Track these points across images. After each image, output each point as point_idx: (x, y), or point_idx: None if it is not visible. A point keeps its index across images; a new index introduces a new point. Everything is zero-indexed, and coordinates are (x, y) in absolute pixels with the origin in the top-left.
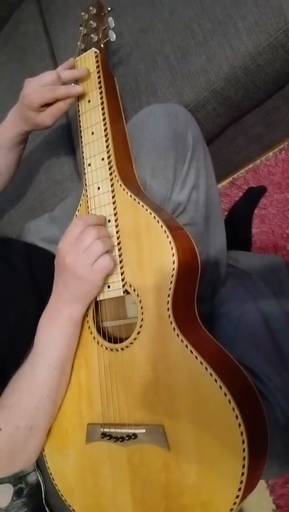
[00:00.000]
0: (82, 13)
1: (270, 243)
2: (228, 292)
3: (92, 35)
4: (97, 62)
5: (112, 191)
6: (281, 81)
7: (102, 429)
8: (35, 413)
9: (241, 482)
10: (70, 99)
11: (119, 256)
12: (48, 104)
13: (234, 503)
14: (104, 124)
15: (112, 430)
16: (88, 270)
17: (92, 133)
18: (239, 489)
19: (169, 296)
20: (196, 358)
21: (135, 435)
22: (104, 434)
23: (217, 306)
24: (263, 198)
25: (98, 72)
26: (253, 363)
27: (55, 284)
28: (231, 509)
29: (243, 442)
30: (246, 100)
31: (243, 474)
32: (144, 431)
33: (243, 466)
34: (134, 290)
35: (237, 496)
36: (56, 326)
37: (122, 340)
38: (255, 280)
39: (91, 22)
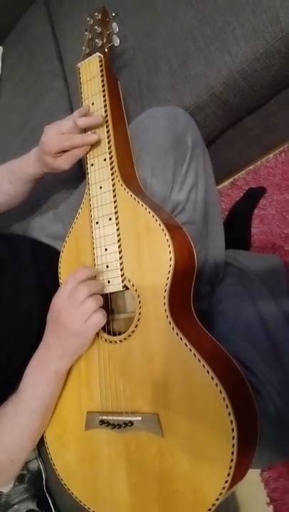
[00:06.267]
0: (88, 18)
1: (268, 243)
2: (226, 290)
3: (96, 40)
4: (101, 66)
5: (114, 191)
6: (278, 86)
7: (100, 417)
8: (16, 449)
9: (230, 467)
10: (86, 147)
11: (119, 253)
12: (65, 150)
13: (223, 488)
14: (107, 126)
15: (110, 418)
16: (82, 327)
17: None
18: (228, 474)
19: (165, 291)
20: (190, 350)
21: (131, 422)
22: (102, 422)
23: (215, 304)
24: (263, 198)
25: (102, 76)
26: (248, 358)
27: (46, 337)
28: (220, 493)
29: (233, 430)
30: (244, 104)
31: (232, 460)
32: (140, 418)
33: (232, 453)
34: (133, 285)
35: (226, 481)
36: (42, 380)
37: (120, 334)
38: (253, 279)
39: (96, 27)
